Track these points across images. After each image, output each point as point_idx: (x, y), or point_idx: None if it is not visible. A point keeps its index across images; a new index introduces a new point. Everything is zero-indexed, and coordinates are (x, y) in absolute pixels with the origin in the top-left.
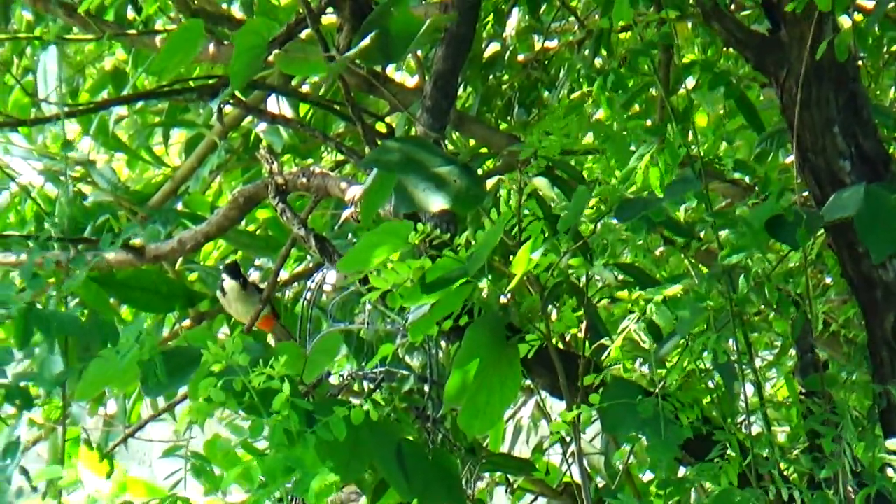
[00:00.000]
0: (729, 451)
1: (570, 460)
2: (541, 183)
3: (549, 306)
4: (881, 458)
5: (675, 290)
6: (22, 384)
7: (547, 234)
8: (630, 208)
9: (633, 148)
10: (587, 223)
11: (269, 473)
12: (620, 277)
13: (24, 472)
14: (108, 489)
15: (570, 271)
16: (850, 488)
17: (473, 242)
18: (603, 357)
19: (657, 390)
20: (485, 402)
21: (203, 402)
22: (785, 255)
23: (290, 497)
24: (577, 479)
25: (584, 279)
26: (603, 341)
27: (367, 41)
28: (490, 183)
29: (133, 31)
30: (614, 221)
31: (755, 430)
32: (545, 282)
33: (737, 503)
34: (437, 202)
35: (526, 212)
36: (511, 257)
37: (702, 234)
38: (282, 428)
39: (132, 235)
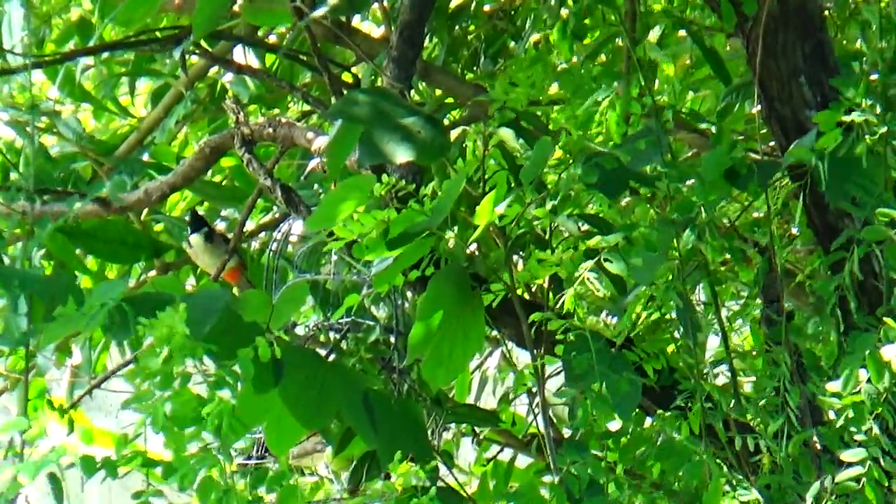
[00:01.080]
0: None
1: (536, 411)
2: (505, 134)
3: (515, 257)
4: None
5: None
6: None
7: (512, 185)
8: (608, 178)
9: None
10: (552, 173)
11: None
12: (584, 228)
13: None
14: (73, 440)
15: (535, 222)
16: (814, 438)
17: (439, 193)
18: (558, 306)
19: (618, 341)
20: (448, 352)
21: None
22: (749, 204)
23: (255, 446)
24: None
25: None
26: (565, 292)
27: None
28: (455, 133)
29: None
30: (579, 172)
31: (721, 380)
32: (509, 233)
33: (680, 453)
34: (401, 154)
35: (492, 162)
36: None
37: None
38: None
39: (113, 190)
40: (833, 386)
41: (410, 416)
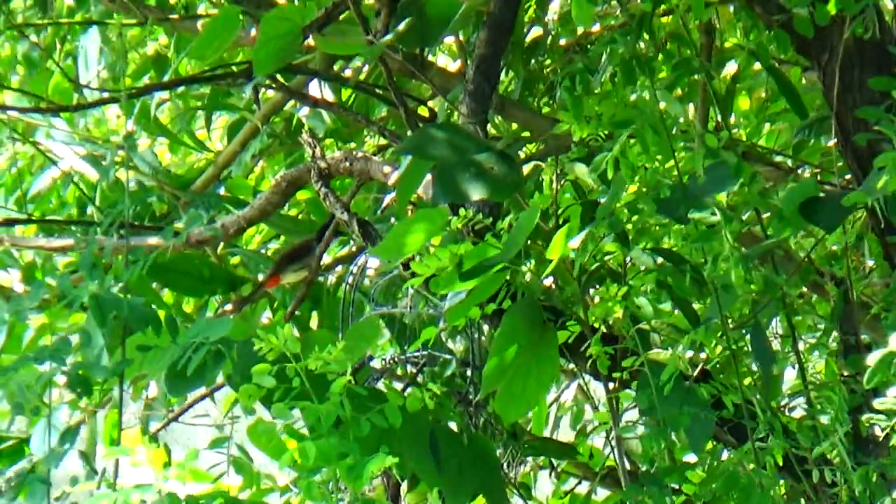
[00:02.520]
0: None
1: (613, 444)
2: (579, 169)
3: (591, 291)
4: None
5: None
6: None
7: (582, 220)
8: (670, 201)
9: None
10: (625, 209)
11: (323, 457)
12: (659, 261)
13: (85, 456)
14: (169, 475)
15: (608, 257)
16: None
17: (515, 227)
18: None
19: (695, 373)
20: (521, 386)
21: (252, 386)
22: (821, 238)
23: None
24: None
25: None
26: (641, 325)
27: (403, 25)
28: (530, 167)
29: (175, 16)
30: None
31: (798, 413)
32: (584, 266)
33: (746, 486)
34: (475, 191)
35: (567, 195)
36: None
37: (744, 217)
38: (334, 414)
39: (189, 224)
40: (881, 403)
41: (481, 450)
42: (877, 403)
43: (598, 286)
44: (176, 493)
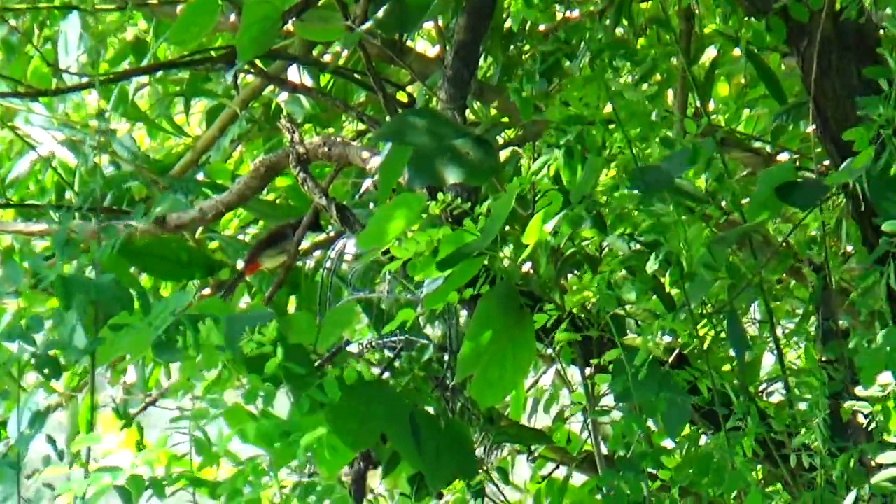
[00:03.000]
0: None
1: (590, 429)
2: (556, 154)
3: (569, 276)
4: None
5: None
6: (51, 353)
7: (562, 205)
8: (646, 177)
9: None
10: (603, 193)
11: (263, 437)
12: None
13: (52, 440)
14: (141, 460)
15: (586, 242)
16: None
17: (492, 212)
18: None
19: (671, 359)
20: (497, 372)
21: (192, 363)
22: (801, 221)
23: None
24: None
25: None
26: (617, 311)
27: (382, 11)
28: (508, 152)
29: (154, 1)
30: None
31: (776, 398)
32: (563, 251)
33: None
34: (451, 175)
35: (546, 181)
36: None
37: (723, 203)
38: (273, 392)
39: (150, 205)
40: (862, 390)
41: (457, 435)
42: (859, 391)
43: (574, 271)
44: (141, 476)
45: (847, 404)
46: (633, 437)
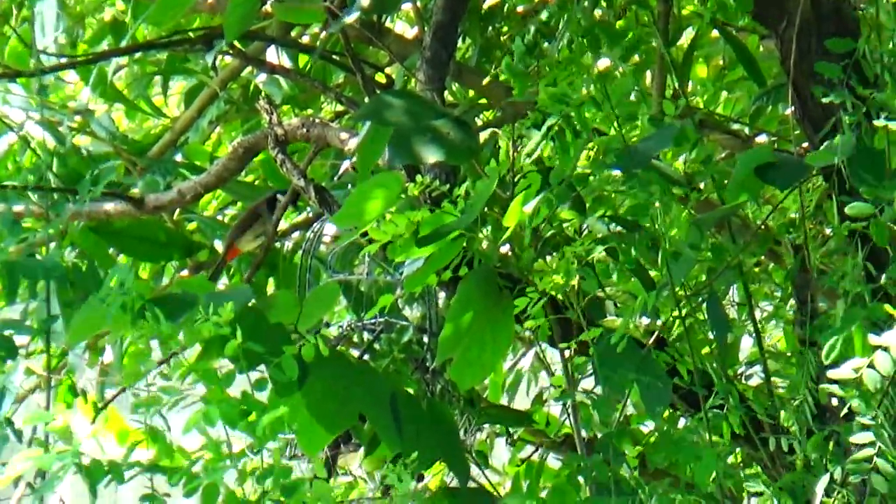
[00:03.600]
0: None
1: (569, 411)
2: (535, 136)
3: (548, 258)
4: None
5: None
6: (6, 333)
7: (542, 186)
8: (623, 157)
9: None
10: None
11: (226, 418)
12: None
13: (9, 422)
14: (120, 443)
15: (566, 224)
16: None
17: (472, 194)
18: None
19: (650, 342)
20: (477, 353)
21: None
22: (780, 203)
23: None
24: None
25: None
26: (597, 293)
27: None
28: (487, 133)
29: None
30: (614, 172)
31: (755, 381)
32: (541, 234)
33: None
34: (431, 154)
35: (527, 161)
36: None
37: (701, 185)
38: (232, 373)
39: (127, 185)
40: (834, 373)
41: (440, 417)
42: (831, 374)
43: (553, 253)
44: (99, 461)
45: (822, 387)
46: (608, 418)
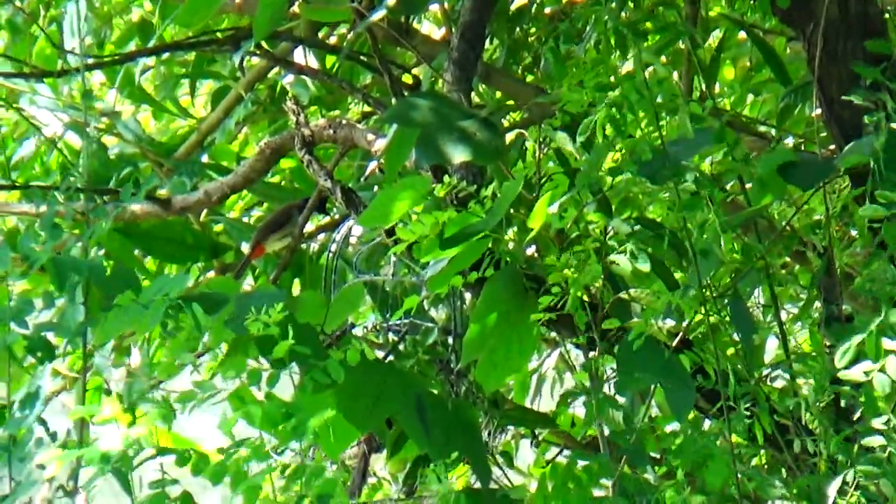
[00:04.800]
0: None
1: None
2: (561, 137)
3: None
4: None
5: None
6: (43, 334)
7: (567, 188)
8: (651, 165)
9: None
10: (609, 177)
11: (268, 419)
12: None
13: (43, 422)
14: (125, 438)
15: (591, 226)
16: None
17: (498, 195)
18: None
19: (675, 342)
20: (502, 355)
21: (169, 362)
22: (804, 203)
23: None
24: (604, 431)
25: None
26: (621, 295)
27: None
28: (514, 134)
29: None
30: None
31: (780, 383)
32: (565, 236)
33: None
34: (457, 154)
35: (550, 164)
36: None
37: (728, 186)
38: (277, 374)
39: (156, 187)
40: (845, 374)
41: (465, 418)
42: (842, 374)
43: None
44: (106, 452)
45: (843, 389)
46: (630, 420)
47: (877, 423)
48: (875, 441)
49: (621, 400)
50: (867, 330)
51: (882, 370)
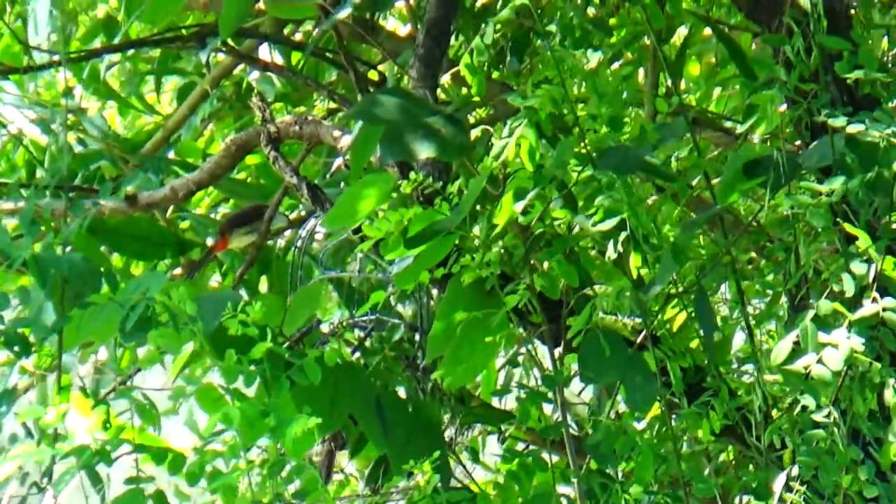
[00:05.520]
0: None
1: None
2: (526, 134)
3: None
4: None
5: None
6: (19, 330)
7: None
8: (612, 156)
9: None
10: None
11: (246, 419)
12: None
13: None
14: (105, 434)
15: (557, 222)
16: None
17: (465, 191)
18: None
19: (638, 339)
20: (467, 352)
21: (154, 350)
22: (770, 200)
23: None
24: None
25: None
26: (586, 291)
27: None
28: (479, 131)
29: None
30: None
31: (747, 378)
32: (532, 231)
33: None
34: (423, 151)
35: (518, 160)
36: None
37: (693, 182)
38: (258, 374)
39: (120, 183)
40: (786, 368)
41: (426, 417)
42: (783, 368)
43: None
44: (87, 446)
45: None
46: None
47: (818, 416)
48: (817, 434)
49: (587, 396)
50: (801, 325)
51: (820, 362)
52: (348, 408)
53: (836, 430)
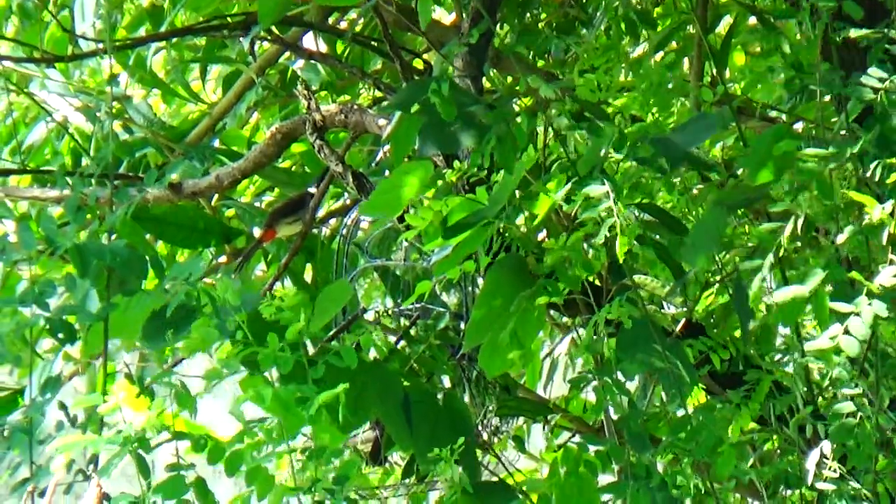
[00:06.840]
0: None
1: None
2: (563, 124)
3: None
4: None
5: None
6: (64, 318)
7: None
8: (660, 148)
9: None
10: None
11: (281, 403)
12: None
13: (63, 406)
14: (147, 420)
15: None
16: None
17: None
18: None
19: (677, 329)
20: (505, 340)
21: (195, 339)
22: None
23: None
24: (612, 415)
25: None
26: (625, 281)
27: None
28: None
29: None
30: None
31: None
32: (572, 221)
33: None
34: (464, 141)
35: (560, 150)
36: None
37: (738, 172)
38: (290, 359)
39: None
40: (812, 345)
41: (455, 413)
42: (808, 347)
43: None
44: (129, 434)
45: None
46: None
47: (846, 390)
48: (845, 408)
49: (630, 385)
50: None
51: (846, 332)
52: (374, 409)
53: (865, 401)
